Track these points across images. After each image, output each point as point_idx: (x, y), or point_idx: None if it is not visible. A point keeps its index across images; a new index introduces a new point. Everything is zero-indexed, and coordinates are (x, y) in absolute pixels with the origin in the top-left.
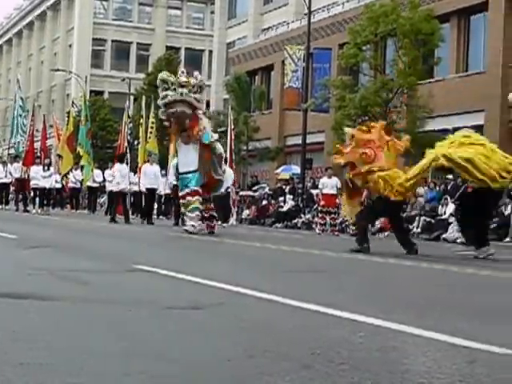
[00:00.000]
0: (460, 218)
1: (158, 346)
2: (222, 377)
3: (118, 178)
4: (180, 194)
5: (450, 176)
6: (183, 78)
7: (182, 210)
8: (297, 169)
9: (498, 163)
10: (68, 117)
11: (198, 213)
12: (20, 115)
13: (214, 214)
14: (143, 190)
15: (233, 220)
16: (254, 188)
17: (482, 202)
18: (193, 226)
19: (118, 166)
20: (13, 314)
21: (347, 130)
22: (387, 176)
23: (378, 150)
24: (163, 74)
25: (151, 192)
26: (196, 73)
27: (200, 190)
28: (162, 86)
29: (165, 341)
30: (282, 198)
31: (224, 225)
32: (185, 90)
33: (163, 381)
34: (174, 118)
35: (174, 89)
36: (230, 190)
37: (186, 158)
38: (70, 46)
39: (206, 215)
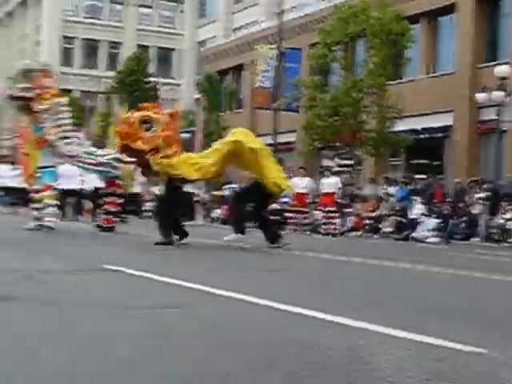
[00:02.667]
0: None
1: (112, 346)
2: (190, 377)
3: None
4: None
5: (421, 175)
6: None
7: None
8: None
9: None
10: None
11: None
12: None
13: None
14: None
15: (201, 219)
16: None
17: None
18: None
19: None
20: None
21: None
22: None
23: (174, 132)
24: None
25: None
26: None
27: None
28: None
29: (121, 341)
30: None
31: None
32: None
33: (108, 381)
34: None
35: None
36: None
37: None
38: (38, 43)
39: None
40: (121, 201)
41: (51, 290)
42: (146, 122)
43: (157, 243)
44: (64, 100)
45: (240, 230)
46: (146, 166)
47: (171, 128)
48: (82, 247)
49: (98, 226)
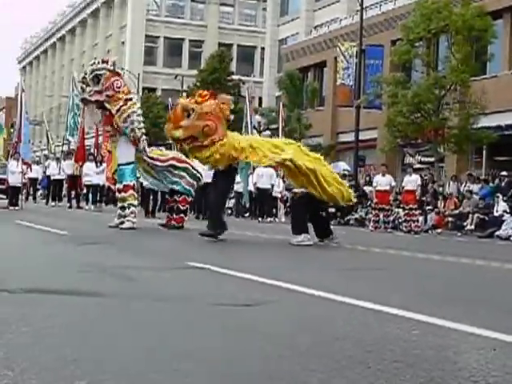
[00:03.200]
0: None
1: (199, 344)
2: (274, 375)
3: None
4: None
5: (504, 172)
6: (81, 75)
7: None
8: (344, 165)
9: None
10: None
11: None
12: (76, 113)
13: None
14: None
15: (283, 217)
16: None
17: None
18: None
19: None
20: (63, 310)
21: (181, 100)
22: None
23: (217, 122)
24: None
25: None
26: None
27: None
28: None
29: (206, 339)
30: None
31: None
32: (86, 88)
33: (191, 380)
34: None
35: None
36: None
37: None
38: (123, 43)
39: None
40: (191, 199)
41: (140, 287)
42: (188, 110)
43: (202, 234)
44: (135, 98)
45: (305, 229)
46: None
47: (213, 118)
48: (164, 244)
49: (163, 226)
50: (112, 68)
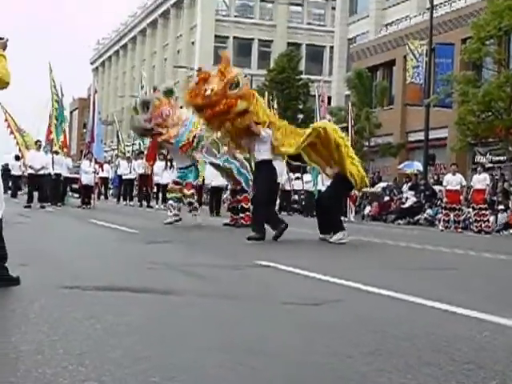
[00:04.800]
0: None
1: (267, 341)
2: (343, 374)
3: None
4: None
5: None
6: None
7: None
8: (419, 165)
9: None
10: None
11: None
12: None
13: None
14: None
15: (351, 216)
16: (377, 185)
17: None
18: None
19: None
20: (134, 308)
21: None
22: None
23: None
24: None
25: None
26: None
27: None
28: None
29: (276, 337)
30: (404, 195)
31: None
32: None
33: (263, 376)
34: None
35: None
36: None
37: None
38: (193, 43)
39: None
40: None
41: (209, 285)
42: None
43: (249, 238)
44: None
45: (341, 226)
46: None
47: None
48: (230, 242)
49: (228, 225)
50: (162, 96)
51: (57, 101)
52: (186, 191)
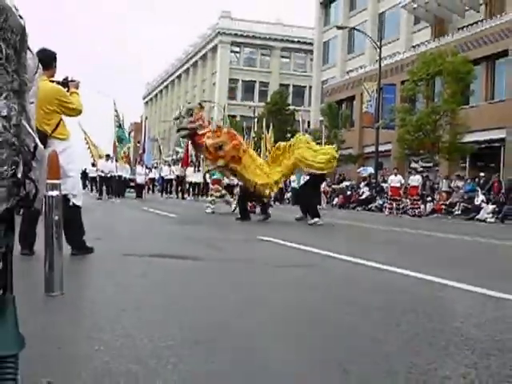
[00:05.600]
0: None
1: (262, 293)
2: (333, 321)
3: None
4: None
5: (482, 173)
6: (177, 113)
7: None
8: (372, 169)
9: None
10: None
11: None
12: None
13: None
14: None
15: (324, 205)
16: (342, 183)
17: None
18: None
19: None
20: (175, 269)
21: (208, 142)
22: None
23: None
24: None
25: None
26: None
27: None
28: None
29: (268, 289)
30: (361, 190)
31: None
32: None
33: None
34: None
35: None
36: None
37: None
38: (214, 84)
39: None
40: None
41: (224, 253)
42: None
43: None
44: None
45: (317, 213)
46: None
47: (235, 137)
48: (241, 224)
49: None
50: (198, 105)
51: (119, 125)
52: (211, 187)
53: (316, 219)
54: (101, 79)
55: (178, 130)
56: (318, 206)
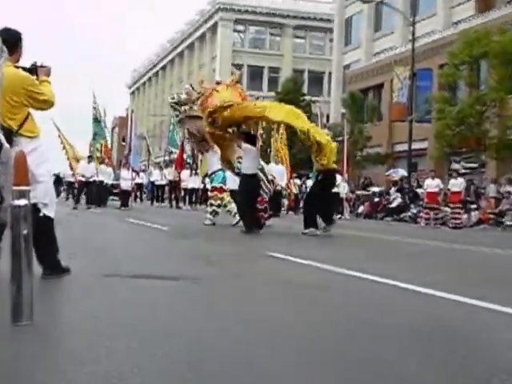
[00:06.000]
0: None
1: (274, 321)
2: (346, 348)
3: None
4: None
5: None
6: (183, 96)
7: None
8: (404, 171)
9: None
10: None
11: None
12: (174, 130)
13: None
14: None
15: (347, 214)
16: (368, 189)
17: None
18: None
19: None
20: (165, 293)
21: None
22: None
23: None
24: (171, 99)
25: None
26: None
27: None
28: (176, 106)
29: (281, 314)
30: (391, 196)
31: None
32: (186, 107)
33: (278, 345)
34: (191, 135)
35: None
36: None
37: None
38: (214, 70)
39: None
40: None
41: (229, 272)
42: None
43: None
44: None
45: (315, 224)
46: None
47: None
48: (247, 238)
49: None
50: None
51: (95, 119)
52: (210, 194)
53: (311, 229)
54: (99, 78)
55: (179, 121)
56: (339, 216)
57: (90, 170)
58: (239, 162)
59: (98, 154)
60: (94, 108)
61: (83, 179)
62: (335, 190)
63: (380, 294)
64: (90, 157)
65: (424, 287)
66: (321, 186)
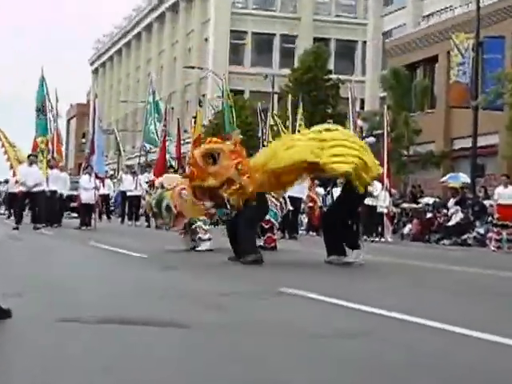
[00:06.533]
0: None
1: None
2: None
3: None
4: None
5: None
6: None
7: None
8: (466, 177)
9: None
10: (195, 122)
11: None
12: (156, 118)
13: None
14: None
15: (388, 236)
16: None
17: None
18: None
19: None
20: (140, 343)
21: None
22: None
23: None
24: None
25: None
26: None
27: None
28: None
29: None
30: (450, 211)
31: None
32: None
33: None
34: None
35: None
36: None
37: None
38: (206, 39)
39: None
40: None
41: (232, 315)
42: (211, 156)
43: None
44: None
45: (341, 250)
46: (220, 202)
47: (239, 155)
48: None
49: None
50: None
51: (39, 109)
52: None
53: (336, 257)
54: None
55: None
56: (377, 238)
57: (33, 177)
58: None
59: (45, 155)
60: (37, 91)
61: (24, 189)
62: (371, 202)
63: (436, 344)
64: (31, 156)
65: (494, 334)
66: (348, 197)
